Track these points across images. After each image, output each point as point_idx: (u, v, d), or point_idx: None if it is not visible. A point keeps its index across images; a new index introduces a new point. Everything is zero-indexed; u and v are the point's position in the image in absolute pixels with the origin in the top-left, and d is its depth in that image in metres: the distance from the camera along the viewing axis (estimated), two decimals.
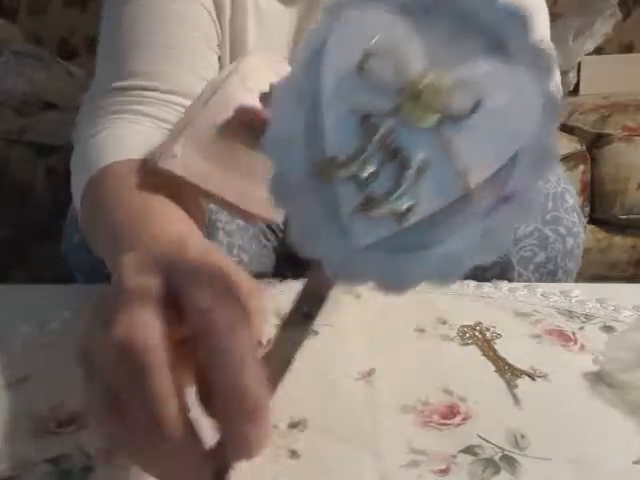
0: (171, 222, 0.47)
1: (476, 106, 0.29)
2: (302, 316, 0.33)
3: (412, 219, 0.30)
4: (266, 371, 0.31)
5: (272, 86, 0.50)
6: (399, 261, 0.30)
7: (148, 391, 0.28)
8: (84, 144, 0.58)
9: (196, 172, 0.54)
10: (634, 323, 0.58)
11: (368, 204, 0.29)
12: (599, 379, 0.54)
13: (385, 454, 0.46)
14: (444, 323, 0.60)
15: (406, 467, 0.45)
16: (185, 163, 0.54)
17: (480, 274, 0.72)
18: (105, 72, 0.64)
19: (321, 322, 0.63)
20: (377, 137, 0.29)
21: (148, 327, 0.29)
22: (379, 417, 0.49)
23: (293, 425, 0.47)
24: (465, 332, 0.58)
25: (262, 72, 0.57)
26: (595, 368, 0.55)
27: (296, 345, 0.33)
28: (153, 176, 0.52)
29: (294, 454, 0.45)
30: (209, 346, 0.30)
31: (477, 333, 0.58)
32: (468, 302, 0.63)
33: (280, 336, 0.34)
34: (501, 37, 0.29)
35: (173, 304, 0.31)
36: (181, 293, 0.31)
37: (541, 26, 0.79)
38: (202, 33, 0.65)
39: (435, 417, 0.50)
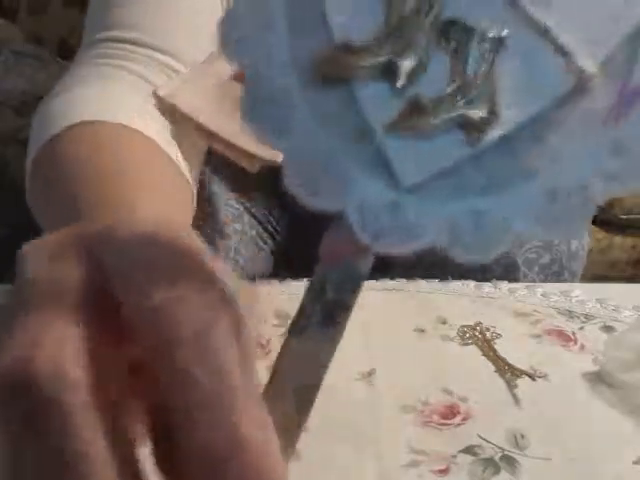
0: (139, 187, 0.38)
1: None
2: (328, 309, 0.21)
3: (493, 134, 0.20)
4: (275, 416, 0.19)
5: None
6: (474, 207, 0.20)
7: (59, 450, 0.17)
8: (43, 105, 0.51)
9: (202, 112, 0.55)
10: (634, 323, 0.58)
11: (414, 116, 0.20)
12: (599, 379, 0.54)
13: (385, 454, 0.46)
14: (444, 323, 0.60)
15: (406, 467, 0.45)
16: (192, 103, 0.55)
17: (482, 275, 0.72)
18: (90, 24, 0.58)
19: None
20: (413, 6, 0.19)
21: (59, 346, 0.18)
22: (379, 417, 0.49)
23: None
24: (465, 332, 0.58)
25: None
26: (595, 368, 0.55)
27: (324, 359, 0.22)
28: (135, 136, 0.47)
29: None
30: (166, 371, 0.18)
31: (477, 333, 0.58)
32: (468, 302, 0.63)
33: (293, 350, 0.21)
34: None
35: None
36: (115, 286, 0.20)
37: None
38: (208, 4, 0.58)
39: (435, 417, 0.50)
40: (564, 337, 0.58)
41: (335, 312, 0.21)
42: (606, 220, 1.70)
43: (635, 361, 0.52)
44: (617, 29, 0.20)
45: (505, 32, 0.19)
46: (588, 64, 0.20)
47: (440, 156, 0.20)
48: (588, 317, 0.63)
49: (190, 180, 0.50)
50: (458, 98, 0.19)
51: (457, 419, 0.49)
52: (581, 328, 0.62)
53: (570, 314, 0.61)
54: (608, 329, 0.61)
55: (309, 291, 0.21)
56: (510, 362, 0.54)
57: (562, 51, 0.20)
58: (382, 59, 0.19)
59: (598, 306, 0.64)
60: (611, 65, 0.20)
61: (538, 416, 0.50)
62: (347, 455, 0.46)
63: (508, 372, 0.52)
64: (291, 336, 0.22)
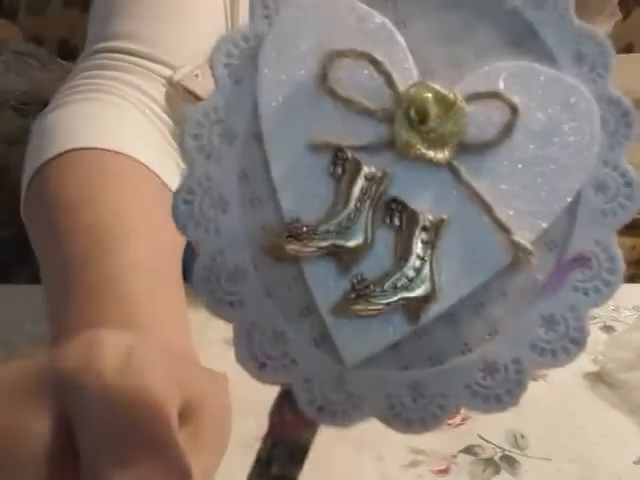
0: (126, 245, 0.38)
1: (507, 128, 0.21)
2: None
3: (433, 311, 0.21)
4: None
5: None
6: (415, 380, 0.21)
7: None
8: (39, 121, 0.51)
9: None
10: (634, 323, 0.58)
11: (358, 294, 0.20)
12: (599, 379, 0.54)
13: (385, 454, 0.46)
14: None
15: (406, 467, 0.45)
16: (208, 85, 0.55)
17: None
18: (90, 35, 0.57)
19: None
20: (361, 189, 0.21)
21: None
22: None
23: None
24: None
25: None
26: (595, 368, 0.55)
27: None
28: (127, 166, 0.46)
29: None
30: None
31: None
32: None
33: None
34: (529, 22, 0.22)
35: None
36: (80, 452, 0.22)
37: None
38: (211, 13, 0.58)
39: None
40: None
41: None
42: None
43: (635, 361, 0.52)
44: (556, 202, 0.21)
45: (446, 215, 0.21)
46: (526, 239, 0.21)
47: (382, 335, 0.21)
48: None
49: None
50: (399, 280, 0.20)
51: (457, 419, 0.50)
52: None
53: None
54: (608, 329, 0.61)
55: (255, 464, 0.22)
56: None
57: (502, 227, 0.21)
58: (327, 243, 0.20)
59: None
60: (550, 234, 0.21)
61: (538, 416, 0.50)
62: (347, 455, 0.46)
63: None
64: None
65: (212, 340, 0.57)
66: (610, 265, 0.22)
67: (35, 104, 1.43)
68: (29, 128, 0.52)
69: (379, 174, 0.21)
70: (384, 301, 0.20)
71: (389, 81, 0.21)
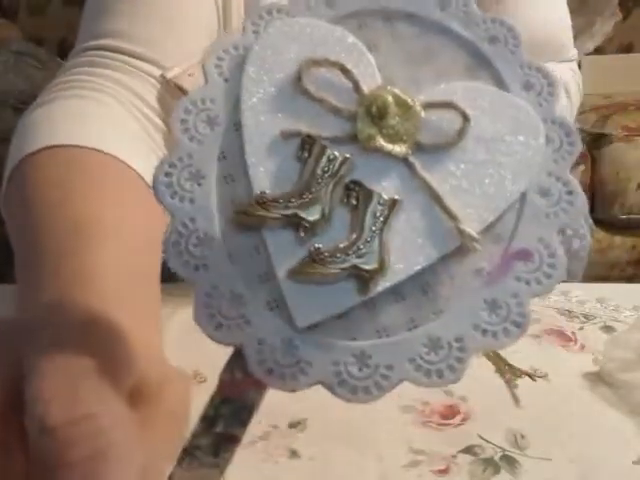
0: (103, 242, 0.38)
1: (459, 133, 0.24)
2: (214, 440, 0.24)
3: (379, 286, 0.23)
4: None
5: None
6: (361, 350, 0.23)
7: None
8: (25, 116, 0.51)
9: None
10: (634, 323, 0.58)
11: (313, 263, 0.22)
12: (599, 379, 0.54)
13: (385, 454, 0.46)
14: None
15: (406, 467, 0.45)
16: (195, 82, 0.56)
17: None
18: (81, 32, 0.58)
19: None
20: (323, 168, 0.23)
21: None
22: (379, 417, 0.49)
23: (293, 425, 0.48)
24: None
25: None
26: (595, 368, 0.55)
27: None
28: (109, 164, 0.46)
29: (294, 454, 0.45)
30: None
31: None
32: None
33: (181, 479, 0.24)
34: (485, 54, 0.26)
35: None
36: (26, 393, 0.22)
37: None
38: (203, 12, 0.59)
39: (435, 417, 0.50)
40: (564, 337, 0.58)
41: (223, 444, 0.24)
42: (606, 220, 1.70)
43: (635, 361, 0.52)
44: (502, 200, 0.24)
45: (398, 196, 0.24)
46: (474, 228, 0.24)
47: (333, 302, 0.23)
48: (588, 317, 0.63)
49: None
50: (352, 251, 0.23)
51: (457, 419, 0.50)
52: (581, 328, 0.62)
53: (570, 314, 0.62)
54: (608, 329, 0.61)
55: (200, 422, 0.24)
56: (510, 362, 0.54)
57: (450, 215, 0.24)
58: (289, 212, 0.23)
59: (598, 306, 0.64)
60: (496, 229, 0.24)
61: (538, 416, 0.50)
62: (347, 455, 0.46)
63: (508, 372, 0.52)
64: (179, 463, 0.24)
65: (207, 339, 0.57)
66: (551, 260, 0.24)
67: None
68: None
69: (341, 158, 0.24)
70: (336, 267, 0.22)
71: (356, 87, 0.25)
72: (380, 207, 0.23)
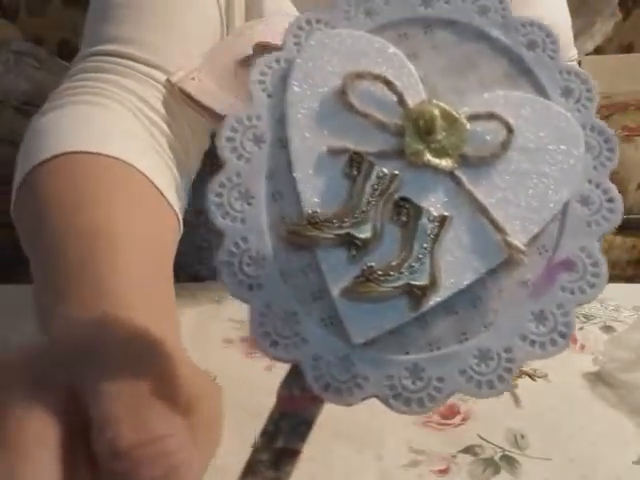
0: (119, 247, 0.38)
1: (503, 145, 0.25)
2: (275, 455, 0.24)
3: (431, 301, 0.24)
4: None
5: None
6: (414, 364, 0.24)
7: None
8: (33, 122, 0.51)
9: (212, 97, 0.57)
10: (634, 323, 0.58)
11: (365, 281, 0.23)
12: (599, 379, 0.54)
13: (385, 454, 0.46)
14: None
15: (406, 467, 0.45)
16: (203, 87, 0.57)
17: None
18: (86, 37, 0.58)
19: None
20: (373, 185, 0.24)
21: None
22: (379, 417, 0.49)
23: None
24: None
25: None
26: (595, 368, 0.55)
27: None
28: (119, 170, 0.46)
29: None
30: None
31: None
32: None
33: None
34: (524, 61, 0.26)
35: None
36: (91, 419, 0.23)
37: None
38: (207, 16, 0.60)
39: (435, 417, 0.50)
40: None
41: (284, 458, 0.24)
42: None
43: (635, 361, 0.52)
44: (546, 211, 0.25)
45: (447, 213, 0.24)
46: (520, 240, 0.24)
47: (386, 318, 0.23)
48: (588, 317, 0.63)
49: (177, 208, 0.50)
50: (404, 269, 0.23)
51: (457, 419, 0.50)
52: (581, 328, 0.62)
53: None
54: (608, 329, 0.62)
55: (261, 437, 0.24)
56: None
57: (498, 228, 0.24)
58: (342, 232, 0.23)
59: (598, 306, 0.64)
60: (541, 240, 0.25)
61: (538, 416, 0.50)
62: (347, 455, 0.46)
63: None
64: (243, 477, 0.24)
65: (212, 340, 0.58)
66: (594, 269, 0.25)
67: (35, 104, 1.43)
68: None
69: (390, 175, 0.24)
70: (389, 285, 0.23)
71: (400, 100, 0.25)
72: (430, 224, 0.23)
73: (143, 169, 0.47)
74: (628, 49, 2.18)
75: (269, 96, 0.25)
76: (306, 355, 0.23)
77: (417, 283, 0.23)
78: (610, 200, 0.25)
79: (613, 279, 0.91)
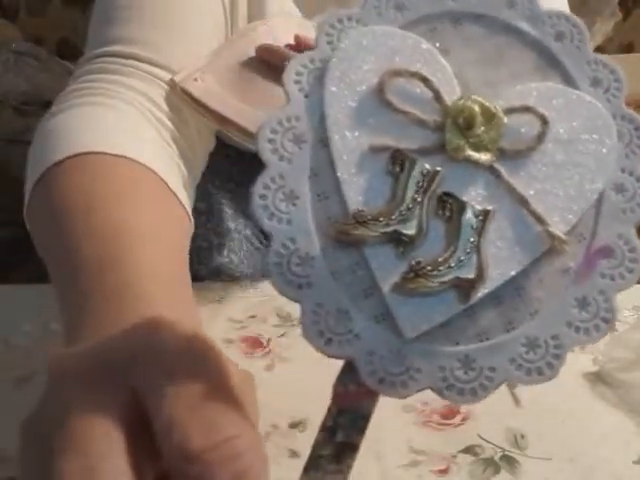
0: (139, 243, 0.39)
1: (539, 137, 0.25)
2: (338, 449, 0.25)
3: (480, 292, 0.24)
4: None
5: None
6: (465, 355, 0.24)
7: None
8: (43, 124, 0.52)
9: (214, 97, 0.58)
10: (634, 323, 0.58)
11: (415, 277, 0.23)
12: (599, 379, 0.54)
13: (385, 454, 0.46)
14: None
15: (406, 467, 0.45)
16: (205, 88, 0.57)
17: None
18: (91, 39, 0.59)
19: None
20: (417, 182, 0.24)
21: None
22: (379, 417, 0.49)
23: (293, 425, 0.48)
24: None
25: (292, 29, 0.59)
26: (595, 368, 0.55)
27: None
28: (133, 170, 0.47)
29: (294, 454, 0.45)
30: None
31: None
32: None
33: None
34: (553, 52, 0.27)
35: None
36: (150, 413, 0.23)
37: None
38: (211, 16, 0.61)
39: (435, 417, 0.50)
40: None
41: (344, 452, 0.25)
42: None
43: (635, 361, 0.53)
44: (583, 200, 0.25)
45: (491, 207, 0.25)
46: (560, 230, 0.25)
47: (437, 312, 0.24)
48: None
49: (188, 208, 0.50)
50: (453, 263, 0.24)
51: (457, 419, 0.50)
52: None
53: None
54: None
55: (321, 432, 0.25)
56: None
57: (538, 219, 0.25)
58: (389, 229, 0.24)
59: None
60: (579, 228, 0.25)
61: (538, 416, 0.50)
62: None
63: None
64: (306, 472, 0.25)
65: (214, 339, 0.58)
66: (632, 255, 0.25)
67: (35, 104, 1.43)
68: (29, 127, 0.52)
69: (432, 171, 0.24)
70: (438, 280, 0.23)
71: (437, 96, 0.25)
72: (475, 218, 0.24)
73: (156, 169, 0.48)
74: (628, 49, 2.18)
75: (306, 96, 0.25)
76: (360, 351, 0.24)
77: (465, 276, 0.24)
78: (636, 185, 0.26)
79: None
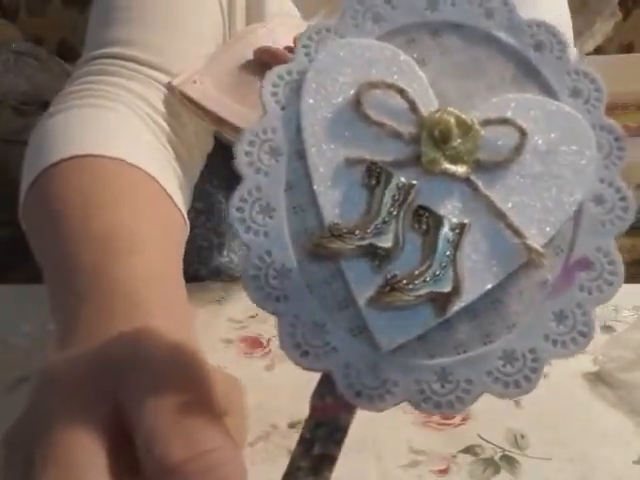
0: (134, 248, 0.39)
1: (517, 149, 0.25)
2: (315, 462, 0.25)
3: (456, 306, 0.24)
4: None
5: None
6: (442, 368, 0.24)
7: None
8: (40, 125, 0.52)
9: (212, 99, 0.58)
10: (634, 323, 0.58)
11: (390, 290, 0.24)
12: (599, 379, 0.54)
13: (385, 454, 0.46)
14: None
15: (406, 467, 0.45)
16: (203, 90, 0.58)
17: None
18: (89, 40, 0.59)
19: None
20: (392, 196, 0.24)
21: None
22: (379, 417, 0.49)
23: (293, 425, 0.48)
24: None
25: (291, 31, 0.59)
26: (595, 368, 0.55)
27: None
28: (128, 174, 0.47)
29: None
30: None
31: None
32: None
33: None
34: (532, 62, 0.27)
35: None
36: (135, 437, 0.23)
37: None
38: (210, 17, 0.61)
39: (435, 417, 0.50)
40: None
41: (322, 465, 0.25)
42: None
43: (635, 361, 0.53)
44: (561, 212, 0.25)
45: (467, 220, 0.24)
46: (538, 242, 0.25)
47: (413, 325, 0.24)
48: None
49: (183, 211, 0.50)
50: (429, 276, 0.24)
51: (457, 419, 0.50)
52: None
53: None
54: (608, 329, 0.62)
55: (299, 444, 0.25)
56: None
57: (516, 232, 0.25)
58: (365, 242, 0.24)
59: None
60: (556, 240, 0.25)
61: (538, 416, 0.50)
62: (347, 455, 0.46)
63: None
64: None
65: (212, 340, 0.58)
66: (611, 268, 0.25)
67: (34, 104, 1.43)
68: (28, 127, 0.52)
69: (408, 184, 0.24)
70: (414, 294, 0.23)
71: (413, 107, 0.25)
72: (451, 232, 0.24)
73: (152, 173, 0.48)
74: (628, 49, 2.18)
75: (283, 108, 0.25)
76: (337, 364, 0.24)
77: (441, 290, 0.24)
78: (623, 199, 0.26)
79: None
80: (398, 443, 0.48)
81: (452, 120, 0.25)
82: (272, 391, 0.50)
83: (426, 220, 0.24)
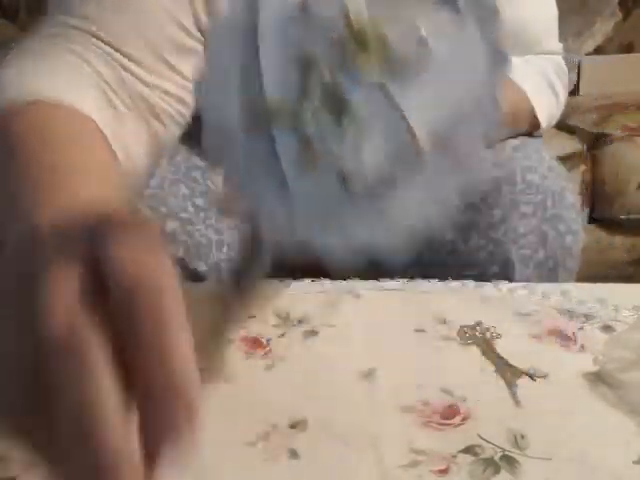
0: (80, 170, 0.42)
1: (423, 61, 0.29)
2: (238, 276, 0.31)
3: (358, 183, 0.29)
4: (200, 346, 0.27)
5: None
6: (345, 223, 0.29)
7: (84, 394, 0.23)
8: (2, 70, 0.53)
9: None
10: (634, 323, 0.58)
11: (309, 157, 0.28)
12: (599, 379, 0.54)
13: (385, 454, 0.46)
14: (444, 323, 0.60)
15: (406, 467, 0.45)
16: None
17: (480, 273, 0.72)
18: (52, 2, 0.60)
19: (321, 323, 0.63)
20: (320, 84, 0.28)
21: (84, 320, 0.24)
22: (379, 417, 0.49)
23: (293, 425, 0.48)
24: (465, 332, 0.58)
25: None
26: (595, 368, 0.55)
27: (234, 314, 0.32)
28: (79, 121, 0.48)
29: (294, 454, 0.45)
30: (129, 314, 0.24)
31: (477, 333, 0.58)
32: (468, 302, 0.63)
33: (216, 308, 0.31)
34: None
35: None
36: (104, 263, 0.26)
37: None
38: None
39: (435, 417, 0.50)
40: (564, 337, 0.59)
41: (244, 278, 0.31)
42: (606, 220, 1.70)
43: (635, 361, 0.53)
44: (458, 104, 0.29)
45: (375, 116, 0.28)
46: (424, 142, 0.28)
47: (325, 186, 0.28)
48: (588, 317, 0.63)
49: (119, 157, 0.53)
50: (339, 152, 0.28)
51: (457, 419, 0.50)
52: (581, 328, 0.62)
53: (570, 314, 0.62)
54: (608, 329, 0.62)
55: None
56: (510, 362, 0.54)
57: (410, 132, 0.28)
58: (293, 116, 0.27)
59: (598, 306, 0.65)
60: (443, 137, 0.29)
61: (538, 416, 0.50)
62: (347, 455, 0.46)
63: (508, 372, 0.53)
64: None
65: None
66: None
67: None
68: None
69: (332, 81, 0.27)
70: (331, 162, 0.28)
71: (346, 15, 0.28)
72: (359, 123, 0.28)
73: (98, 120, 0.49)
74: (628, 49, 2.18)
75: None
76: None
77: (348, 167, 0.28)
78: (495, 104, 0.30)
79: (613, 279, 0.90)
80: (398, 443, 0.48)
81: (372, 29, 0.27)
82: (272, 391, 0.49)
83: (344, 110, 0.27)
